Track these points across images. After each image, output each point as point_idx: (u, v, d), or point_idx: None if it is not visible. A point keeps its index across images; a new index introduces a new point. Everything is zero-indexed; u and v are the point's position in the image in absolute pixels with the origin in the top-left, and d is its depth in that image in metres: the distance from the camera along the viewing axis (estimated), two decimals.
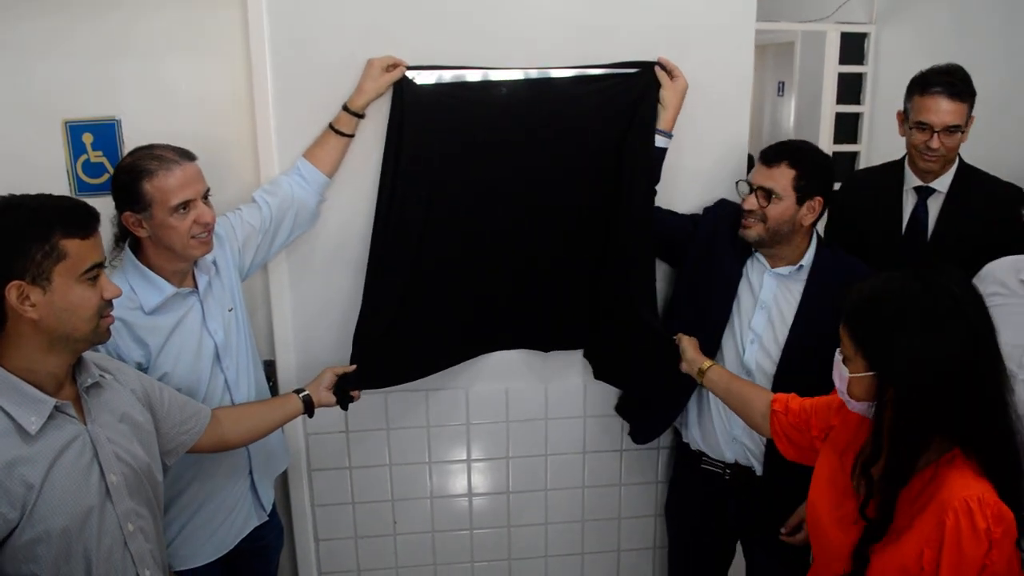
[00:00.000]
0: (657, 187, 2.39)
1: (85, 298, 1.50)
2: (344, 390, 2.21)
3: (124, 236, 1.97)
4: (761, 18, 2.51)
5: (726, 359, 2.31)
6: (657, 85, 2.34)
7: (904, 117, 2.48)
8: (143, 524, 1.62)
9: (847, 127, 4.16)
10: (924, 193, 2.49)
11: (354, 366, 2.26)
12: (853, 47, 4.05)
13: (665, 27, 2.39)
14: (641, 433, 2.61)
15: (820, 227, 2.33)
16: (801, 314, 2.18)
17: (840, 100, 4.11)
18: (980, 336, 1.40)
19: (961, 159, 2.49)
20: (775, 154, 2.19)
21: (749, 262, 2.30)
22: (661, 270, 2.52)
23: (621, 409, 2.65)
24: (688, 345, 2.29)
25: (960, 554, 1.35)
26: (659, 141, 2.36)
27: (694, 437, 2.44)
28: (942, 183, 2.47)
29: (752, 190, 2.20)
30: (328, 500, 2.65)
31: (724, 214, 2.33)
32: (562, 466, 2.74)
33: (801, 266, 2.20)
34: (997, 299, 1.99)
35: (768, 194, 2.16)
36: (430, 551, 2.76)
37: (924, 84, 2.38)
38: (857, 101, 4.09)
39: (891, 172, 2.57)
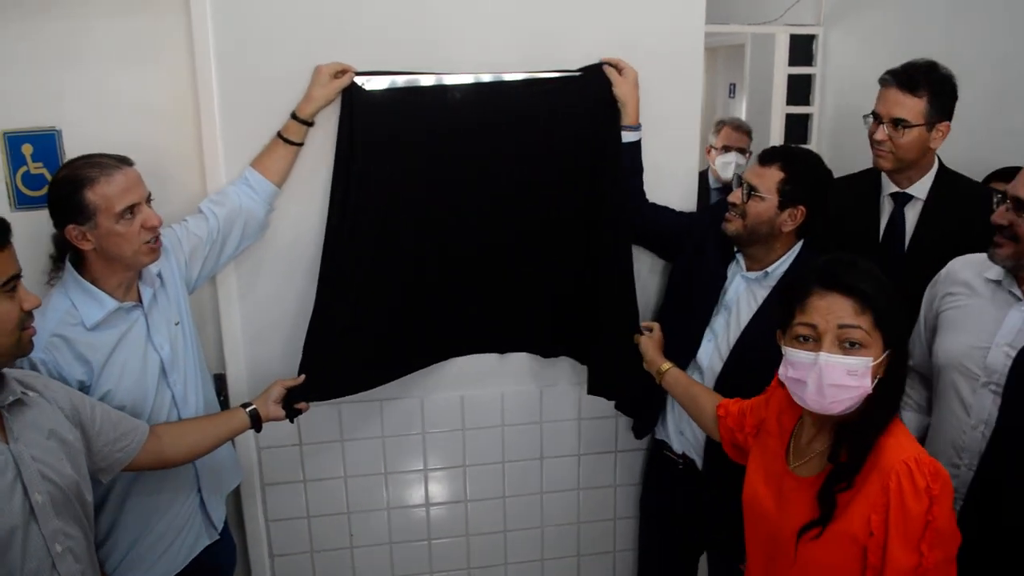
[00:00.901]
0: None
1: (4, 312, 1.47)
2: (291, 402, 2.18)
3: (61, 254, 1.92)
4: (711, 21, 2.52)
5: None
6: (609, 84, 2.35)
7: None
8: (72, 544, 1.58)
9: (797, 128, 4.19)
10: (902, 200, 2.40)
11: (303, 377, 2.22)
12: (802, 49, 4.09)
13: (615, 32, 2.39)
14: (637, 429, 2.61)
15: None
16: (756, 319, 2.18)
17: (790, 101, 4.15)
18: None
19: (941, 164, 2.40)
20: (770, 155, 2.21)
21: (732, 264, 2.31)
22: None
23: (621, 406, 2.64)
24: (648, 346, 2.31)
25: (905, 513, 1.43)
26: (630, 136, 2.38)
27: (658, 424, 2.49)
28: (920, 189, 2.37)
29: (740, 184, 2.21)
30: (282, 515, 2.61)
31: (720, 216, 2.32)
32: (520, 473, 2.73)
33: (767, 272, 2.21)
34: (960, 299, 1.98)
35: (752, 191, 2.17)
36: (388, 563, 2.73)
37: (883, 76, 2.33)
38: (807, 102, 4.13)
39: (866, 179, 2.51)
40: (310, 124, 2.25)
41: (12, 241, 1.49)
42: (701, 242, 2.36)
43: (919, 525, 1.42)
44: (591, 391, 2.54)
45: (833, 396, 1.49)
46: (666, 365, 2.23)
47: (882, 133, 2.30)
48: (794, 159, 2.19)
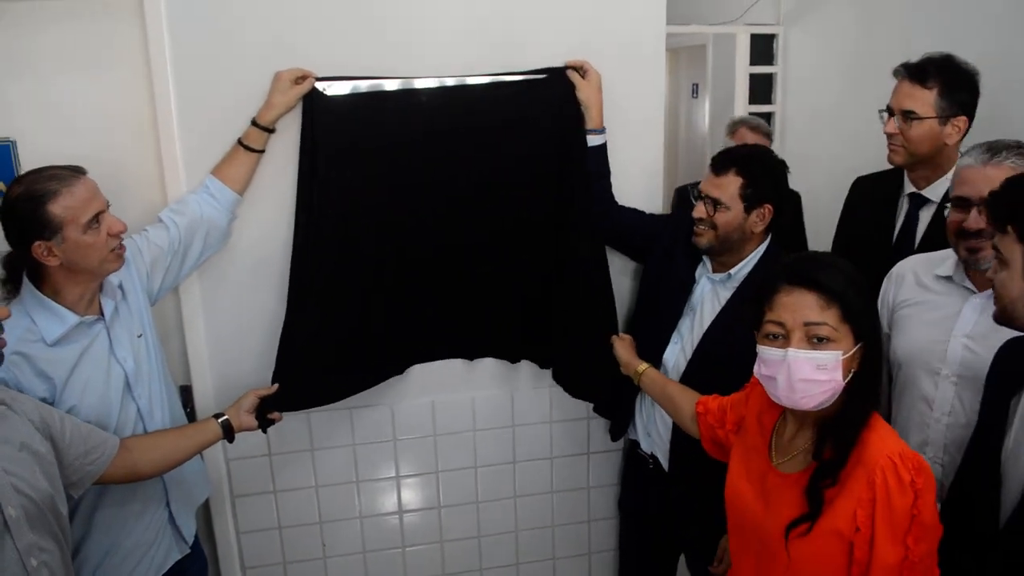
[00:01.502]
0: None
1: None
2: (264, 412, 2.15)
3: (15, 274, 1.87)
4: (673, 22, 2.53)
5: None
6: (572, 87, 2.35)
7: None
8: (47, 558, 1.54)
9: None
10: (917, 202, 2.34)
11: (276, 386, 2.20)
12: (762, 48, 4.13)
13: (577, 35, 2.39)
14: (614, 431, 2.61)
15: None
16: (719, 319, 2.19)
17: (752, 100, 4.19)
18: None
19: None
20: (723, 162, 2.19)
21: (699, 267, 2.32)
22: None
23: (598, 409, 2.63)
24: (620, 348, 2.33)
25: (891, 508, 1.44)
26: (595, 140, 2.38)
27: (630, 425, 2.50)
28: (934, 192, 2.28)
29: (701, 198, 2.20)
30: (253, 526, 2.57)
31: (687, 220, 2.31)
32: (493, 477, 2.72)
33: (730, 275, 2.21)
34: (914, 297, 2.00)
35: (716, 203, 2.16)
36: (362, 572, 2.70)
37: (896, 69, 2.29)
38: (769, 100, 4.17)
39: (893, 177, 2.44)
40: (271, 131, 2.22)
41: None
42: (671, 247, 2.36)
43: (905, 519, 1.44)
44: (573, 394, 2.55)
45: (804, 391, 1.50)
46: (643, 366, 2.24)
47: (892, 126, 2.26)
48: (748, 161, 2.18)
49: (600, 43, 2.40)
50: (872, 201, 2.49)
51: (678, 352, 2.27)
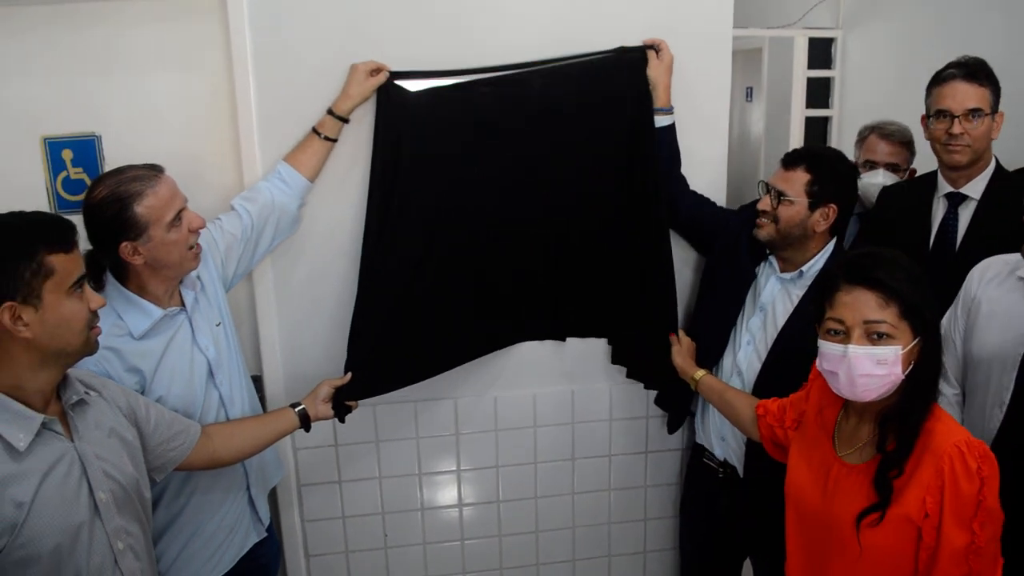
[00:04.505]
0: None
1: (75, 311, 1.50)
2: (341, 402, 2.19)
3: (98, 272, 1.90)
4: None
5: (726, 358, 2.35)
6: (641, 65, 2.37)
7: (926, 119, 2.39)
8: (133, 542, 1.60)
9: (816, 131, 4.23)
10: (955, 200, 2.36)
11: (349, 376, 2.24)
12: (820, 52, 4.12)
13: (641, 33, 2.41)
14: (669, 423, 2.64)
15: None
16: (793, 319, 2.19)
17: (809, 104, 4.18)
18: None
19: (998, 163, 2.36)
20: (794, 158, 2.22)
21: (763, 264, 2.33)
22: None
23: (658, 400, 2.66)
24: (677, 355, 2.36)
25: (958, 494, 1.49)
26: (662, 120, 2.40)
27: (698, 429, 2.51)
28: (975, 189, 2.32)
29: (768, 191, 2.23)
30: (318, 515, 2.63)
31: (752, 216, 2.33)
32: (551, 473, 2.74)
33: (801, 272, 2.22)
34: (993, 296, 2.01)
35: (780, 196, 2.18)
36: (422, 563, 2.75)
37: (940, 75, 2.33)
38: (826, 105, 4.15)
39: (924, 183, 2.48)
40: (346, 121, 2.27)
41: (78, 242, 1.52)
42: (733, 243, 2.38)
43: (972, 505, 1.48)
44: (629, 375, 2.60)
45: (864, 385, 1.55)
46: (699, 372, 2.27)
47: (959, 126, 2.26)
48: (819, 159, 2.21)
49: (670, 30, 2.42)
50: (904, 207, 2.50)
51: (751, 353, 2.28)
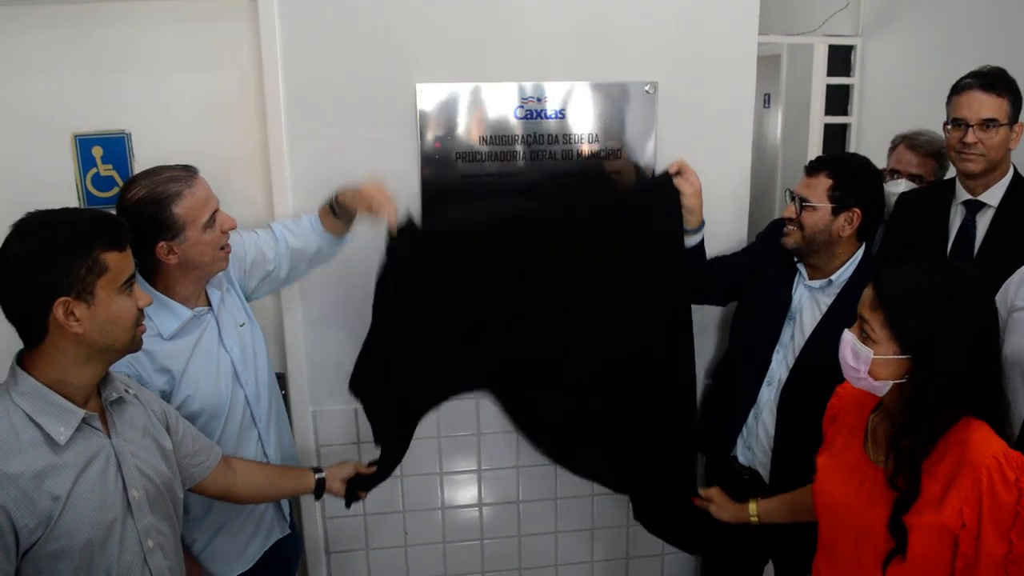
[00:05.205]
0: None
1: (126, 309, 1.52)
2: (353, 488, 2.19)
3: None
4: None
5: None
6: (674, 194, 2.30)
7: (946, 126, 2.38)
8: (162, 541, 1.62)
9: (835, 138, 4.22)
10: (974, 207, 2.35)
11: (374, 468, 2.21)
12: (840, 59, 4.12)
13: (667, 39, 2.44)
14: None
15: None
16: (821, 327, 2.19)
17: (828, 112, 4.17)
18: (994, 323, 1.59)
19: (1016, 171, 2.35)
20: (816, 164, 2.23)
21: (796, 277, 2.31)
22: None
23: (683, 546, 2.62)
24: (721, 511, 2.25)
25: (997, 505, 1.49)
26: (692, 240, 2.36)
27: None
28: (993, 196, 2.32)
29: (792, 198, 2.24)
30: (339, 512, 2.62)
31: (775, 233, 2.32)
32: (571, 475, 2.73)
33: (831, 281, 2.21)
34: None
35: (804, 202, 2.19)
36: (441, 562, 2.76)
37: (959, 84, 2.33)
38: (845, 112, 4.16)
39: (942, 189, 2.47)
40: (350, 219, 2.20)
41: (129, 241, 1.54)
42: (760, 269, 2.36)
43: (1010, 515, 1.49)
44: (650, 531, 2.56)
45: (845, 371, 1.66)
46: (751, 506, 2.17)
47: (973, 135, 2.27)
48: (841, 164, 2.21)
49: (691, 45, 2.45)
50: (921, 214, 2.49)
51: (780, 361, 2.28)
